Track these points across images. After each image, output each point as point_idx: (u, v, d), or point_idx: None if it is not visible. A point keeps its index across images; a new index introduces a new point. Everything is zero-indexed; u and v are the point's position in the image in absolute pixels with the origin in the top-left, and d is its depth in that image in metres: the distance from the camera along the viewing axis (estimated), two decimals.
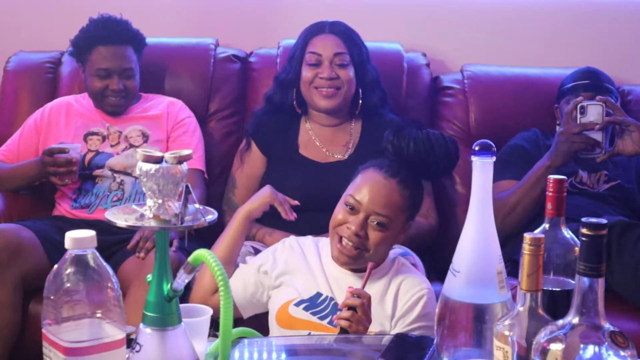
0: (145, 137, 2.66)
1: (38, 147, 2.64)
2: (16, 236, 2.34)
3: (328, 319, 1.85)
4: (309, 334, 1.83)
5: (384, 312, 1.86)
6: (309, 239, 2.05)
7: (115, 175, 2.60)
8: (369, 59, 2.55)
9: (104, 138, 2.66)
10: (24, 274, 2.28)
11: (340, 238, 1.88)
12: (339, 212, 1.90)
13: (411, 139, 1.88)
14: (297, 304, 1.87)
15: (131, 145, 2.64)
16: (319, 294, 1.89)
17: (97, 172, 2.60)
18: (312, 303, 1.88)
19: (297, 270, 1.93)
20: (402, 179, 1.89)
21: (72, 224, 2.43)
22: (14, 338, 2.28)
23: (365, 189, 1.88)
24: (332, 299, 1.89)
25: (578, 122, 2.40)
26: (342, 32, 2.50)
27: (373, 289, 1.85)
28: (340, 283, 1.90)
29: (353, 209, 1.88)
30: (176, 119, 2.71)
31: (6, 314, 2.26)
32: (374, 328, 1.79)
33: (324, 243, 2.01)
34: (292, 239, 2.03)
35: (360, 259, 1.88)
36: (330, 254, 1.94)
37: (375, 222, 1.86)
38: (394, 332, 1.80)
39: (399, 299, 1.88)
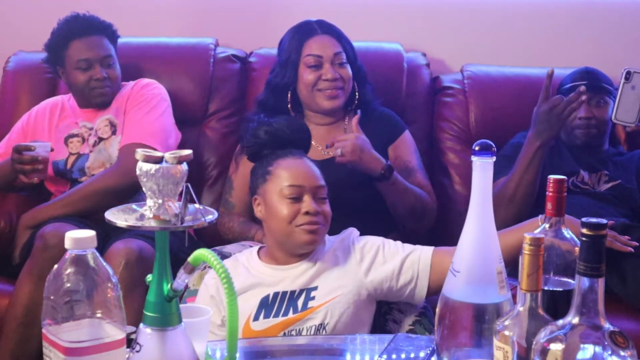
0: (114, 127, 2.64)
1: None
2: None
3: (290, 310, 1.83)
4: (284, 334, 1.80)
5: (356, 272, 1.87)
6: (245, 253, 2.01)
7: None
8: (356, 54, 2.57)
9: (83, 139, 2.65)
10: None
11: (301, 226, 1.85)
12: (283, 209, 1.87)
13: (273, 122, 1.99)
14: (255, 319, 1.83)
15: (100, 139, 2.63)
16: (267, 297, 1.86)
17: (82, 179, 2.58)
18: (267, 308, 1.84)
19: (241, 289, 1.87)
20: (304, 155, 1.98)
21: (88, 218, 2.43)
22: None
23: (295, 172, 1.88)
24: (277, 293, 1.86)
25: (621, 87, 2.31)
26: (333, 31, 2.51)
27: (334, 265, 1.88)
28: (279, 274, 1.89)
29: (296, 198, 1.87)
30: (135, 95, 2.66)
31: None
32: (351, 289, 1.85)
33: (254, 248, 1.99)
34: (230, 260, 1.98)
35: (324, 235, 1.90)
36: (256, 258, 1.93)
37: (320, 197, 1.89)
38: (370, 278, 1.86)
39: (361, 256, 1.89)
